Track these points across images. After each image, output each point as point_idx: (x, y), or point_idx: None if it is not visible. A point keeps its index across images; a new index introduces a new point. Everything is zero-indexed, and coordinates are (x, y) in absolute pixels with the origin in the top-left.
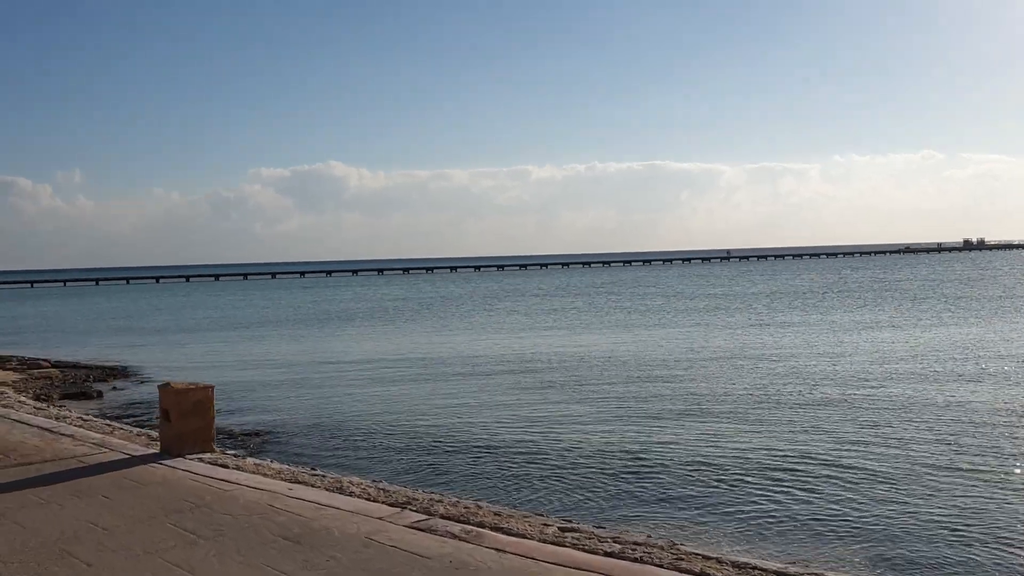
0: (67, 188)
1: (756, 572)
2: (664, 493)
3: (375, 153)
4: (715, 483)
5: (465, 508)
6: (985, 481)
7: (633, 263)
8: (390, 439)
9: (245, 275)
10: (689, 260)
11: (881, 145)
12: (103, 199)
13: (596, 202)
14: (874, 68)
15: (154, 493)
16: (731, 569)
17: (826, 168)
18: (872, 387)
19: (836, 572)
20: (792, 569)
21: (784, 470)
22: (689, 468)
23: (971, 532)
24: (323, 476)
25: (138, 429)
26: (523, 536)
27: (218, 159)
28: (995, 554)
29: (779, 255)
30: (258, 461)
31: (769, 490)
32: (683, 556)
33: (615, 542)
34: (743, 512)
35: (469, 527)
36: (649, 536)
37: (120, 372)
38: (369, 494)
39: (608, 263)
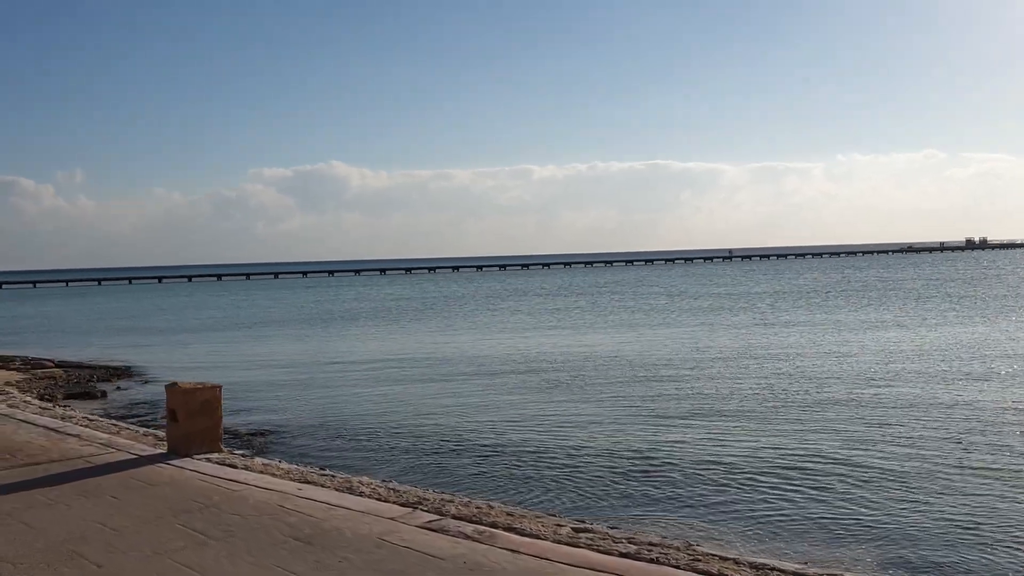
0: (68, 188)
1: (774, 573)
2: (675, 493)
3: (377, 153)
4: (726, 483)
5: (477, 508)
6: (996, 479)
7: (635, 263)
8: (396, 439)
9: (248, 275)
10: (691, 260)
11: (883, 144)
12: (104, 199)
13: (597, 202)
14: (876, 67)
15: (162, 493)
16: (748, 570)
17: (828, 168)
18: (879, 386)
19: (853, 573)
20: (810, 570)
21: (794, 468)
22: (699, 468)
23: (986, 532)
24: (332, 476)
25: (144, 429)
26: (537, 537)
27: (219, 159)
28: (1014, 555)
29: (781, 255)
30: (266, 461)
31: (780, 489)
32: (699, 557)
33: (630, 543)
34: (755, 512)
35: (482, 527)
36: (664, 537)
37: (124, 372)
38: (379, 494)
39: (610, 263)
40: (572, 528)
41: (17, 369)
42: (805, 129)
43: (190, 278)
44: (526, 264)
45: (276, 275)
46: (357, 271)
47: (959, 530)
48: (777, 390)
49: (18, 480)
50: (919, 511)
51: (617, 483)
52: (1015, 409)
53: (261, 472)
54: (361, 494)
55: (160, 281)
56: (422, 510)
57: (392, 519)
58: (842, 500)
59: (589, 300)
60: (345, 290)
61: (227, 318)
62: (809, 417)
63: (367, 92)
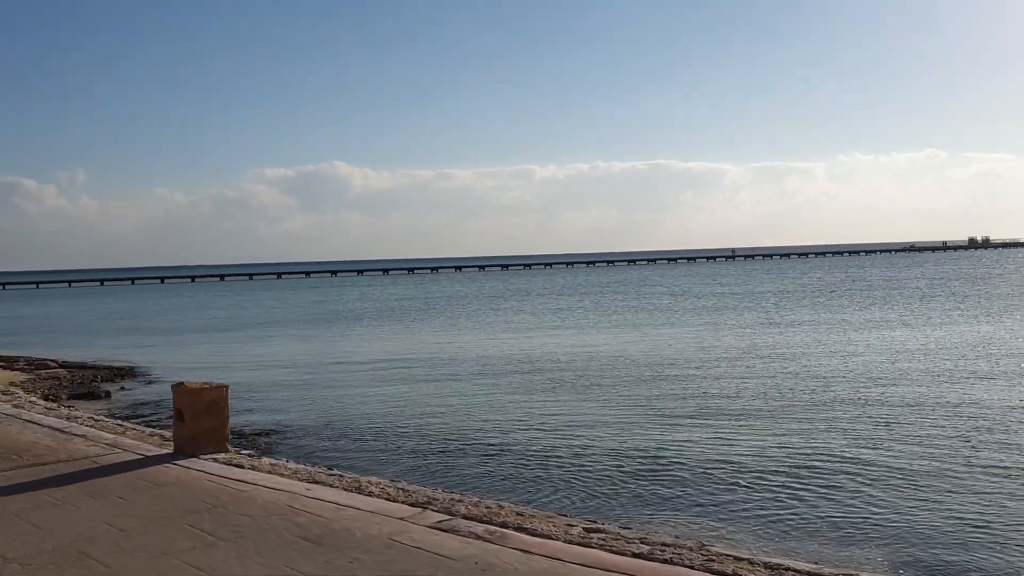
0: (71, 188)
1: (789, 573)
2: (684, 493)
3: (379, 153)
4: (735, 482)
5: (487, 508)
6: (1006, 478)
7: (637, 262)
8: (401, 439)
9: (250, 275)
10: (694, 259)
11: (884, 144)
12: (107, 199)
13: (599, 202)
14: (877, 67)
15: (170, 494)
16: (763, 570)
17: (830, 167)
18: (886, 385)
19: (867, 573)
20: (824, 570)
21: (803, 467)
22: (707, 467)
23: (997, 531)
24: (341, 476)
25: (150, 429)
26: (548, 537)
27: (222, 159)
28: None
29: (784, 254)
30: (274, 461)
31: (790, 489)
32: (713, 557)
33: (643, 543)
34: (765, 511)
35: (493, 527)
36: (677, 537)
37: (128, 372)
38: (388, 494)
39: (612, 262)
40: (583, 528)
41: (21, 369)
42: (807, 129)
43: (193, 278)
44: (528, 264)
45: (279, 275)
46: (360, 271)
47: (970, 529)
48: (784, 389)
49: (25, 480)
50: (930, 510)
51: (626, 483)
52: (1023, 408)
53: (269, 472)
54: (370, 494)
55: (163, 281)
56: (432, 510)
57: (402, 519)
58: (852, 499)
59: (592, 300)
60: (348, 290)
61: (231, 318)
62: (816, 416)
63: (369, 92)
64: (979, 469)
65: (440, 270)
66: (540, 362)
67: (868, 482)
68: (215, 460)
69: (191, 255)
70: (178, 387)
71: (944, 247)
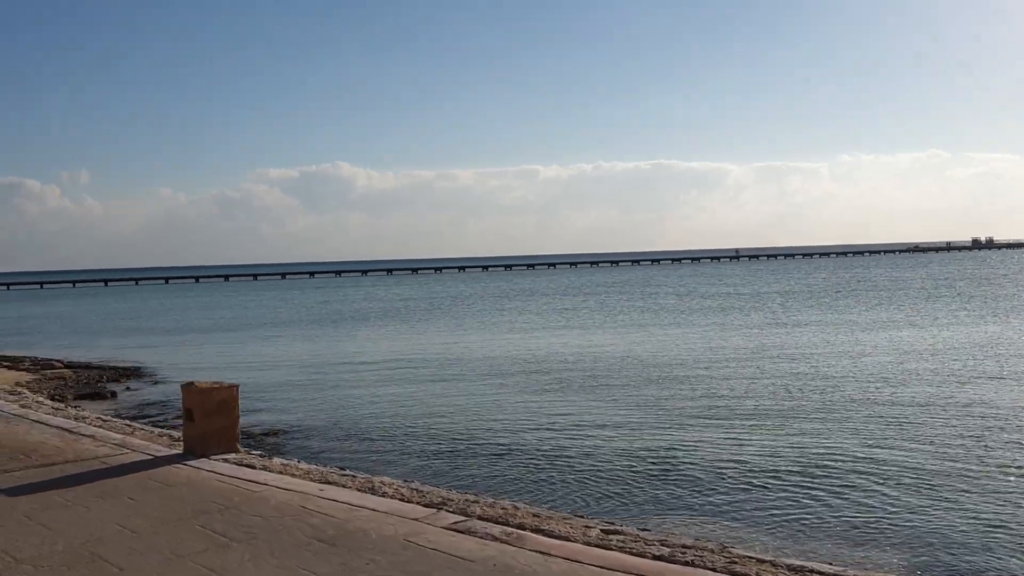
0: (74, 189)
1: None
2: (698, 494)
3: (382, 154)
4: (749, 483)
5: (503, 509)
6: (1022, 478)
7: (641, 262)
8: (410, 439)
9: (255, 276)
10: (698, 259)
11: (887, 144)
12: (110, 200)
13: (601, 201)
14: (879, 67)
15: (180, 494)
16: (786, 572)
17: (832, 167)
18: (895, 385)
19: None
20: (848, 572)
21: (817, 467)
22: (720, 468)
23: (1017, 531)
24: (353, 476)
25: (159, 429)
26: (566, 539)
27: (224, 159)
28: None
29: (788, 254)
30: (285, 461)
31: (805, 489)
32: (736, 559)
33: (663, 545)
34: (781, 512)
35: (509, 529)
36: (697, 539)
37: (133, 372)
38: (402, 494)
39: (616, 262)
40: (601, 530)
41: (27, 370)
42: (809, 128)
43: (197, 279)
44: (531, 264)
45: (283, 276)
46: (364, 271)
47: (988, 529)
48: (793, 390)
49: (35, 481)
50: (946, 510)
51: (639, 484)
52: None
53: (280, 472)
54: (383, 494)
55: (167, 282)
56: (446, 511)
57: (416, 520)
58: (868, 499)
59: (597, 300)
60: (352, 290)
61: (236, 319)
62: (827, 416)
63: (371, 93)
64: (994, 468)
65: (443, 270)
66: (547, 362)
67: (883, 482)
68: (226, 460)
69: (194, 255)
70: (188, 387)
71: (948, 247)
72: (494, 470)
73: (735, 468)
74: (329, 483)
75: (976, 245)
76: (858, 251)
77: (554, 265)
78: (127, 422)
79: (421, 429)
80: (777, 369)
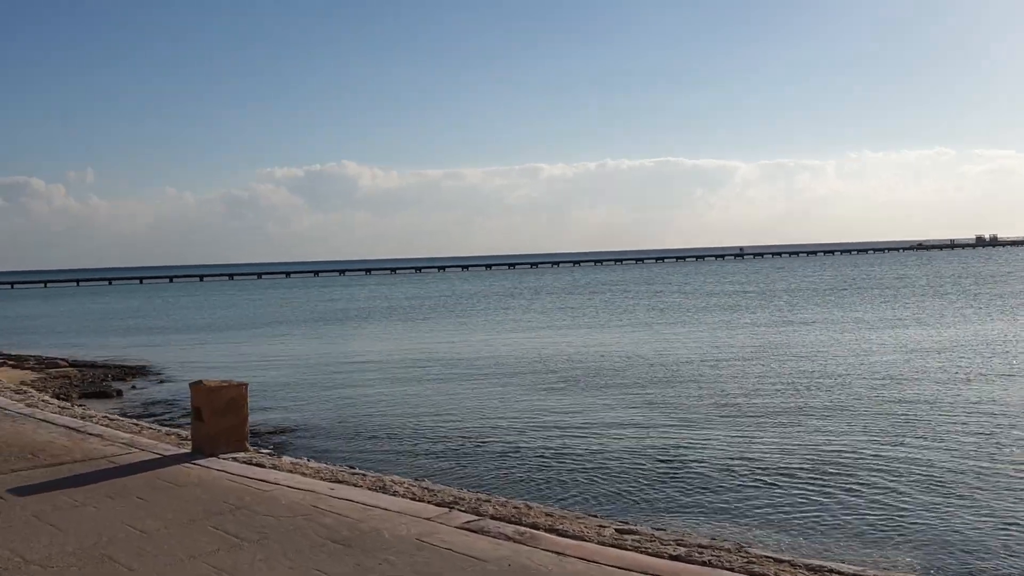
0: (80, 188)
1: None
2: (710, 493)
3: (388, 153)
4: (761, 481)
5: (515, 508)
6: None
7: (646, 260)
8: (417, 438)
9: (259, 274)
10: (703, 257)
11: (894, 142)
12: (115, 199)
13: (607, 200)
14: (886, 65)
15: (191, 494)
16: (805, 572)
17: (840, 164)
18: (905, 383)
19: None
20: (868, 571)
21: (830, 465)
22: (731, 466)
23: None
24: (364, 475)
25: (167, 428)
26: (581, 538)
27: (230, 159)
28: None
29: (794, 252)
30: (295, 460)
31: (817, 487)
32: (754, 559)
33: (679, 544)
34: (795, 511)
35: (523, 528)
36: (714, 539)
37: (138, 371)
38: (414, 494)
39: (621, 260)
40: (616, 530)
41: (31, 368)
42: (816, 126)
43: (202, 277)
44: (535, 263)
45: (288, 275)
46: (368, 270)
47: (1006, 527)
48: (801, 387)
49: (43, 480)
50: (963, 508)
51: (650, 483)
52: None
53: (290, 472)
54: (395, 493)
55: (172, 281)
56: (459, 510)
57: (429, 519)
58: (883, 497)
59: (603, 298)
60: (357, 289)
61: (241, 317)
62: (837, 414)
63: (377, 92)
64: (1007, 465)
65: (447, 269)
66: (553, 361)
67: (895, 479)
68: (235, 459)
69: (199, 255)
70: (197, 385)
71: (952, 245)
72: (502, 469)
73: (745, 466)
74: (340, 482)
75: (980, 243)
76: (863, 248)
77: (558, 264)
78: (135, 421)
79: (428, 427)
80: (785, 367)
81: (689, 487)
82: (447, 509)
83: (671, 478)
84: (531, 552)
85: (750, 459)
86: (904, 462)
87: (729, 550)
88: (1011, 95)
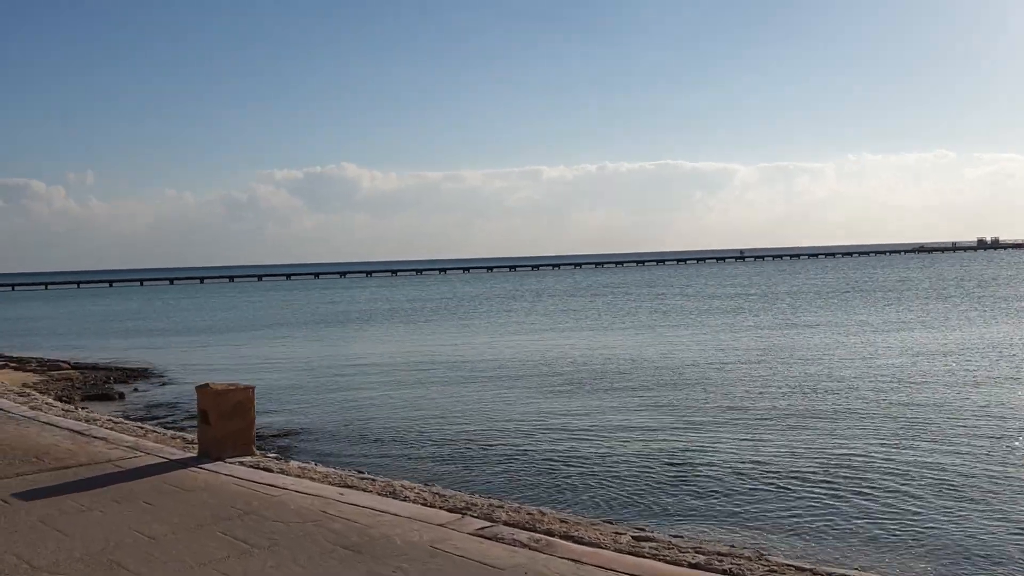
0: (79, 190)
1: None
2: (721, 497)
3: (388, 155)
4: (773, 486)
5: (528, 514)
6: None
7: (647, 263)
8: (423, 442)
9: (260, 277)
10: (704, 260)
11: (894, 144)
12: (115, 200)
13: (607, 202)
14: (886, 67)
15: (198, 499)
16: None
17: (839, 167)
18: (911, 386)
19: None
20: None
21: (842, 469)
22: (741, 471)
23: None
24: (373, 480)
25: (172, 432)
26: (597, 545)
27: (230, 161)
28: None
29: (794, 255)
30: (303, 464)
31: (831, 492)
32: (775, 567)
33: (698, 552)
34: (810, 516)
35: (537, 535)
36: (733, 546)
37: (140, 373)
38: (424, 499)
39: (621, 263)
40: (632, 536)
41: (33, 371)
42: (816, 129)
43: (202, 279)
44: (536, 265)
45: (288, 277)
46: (368, 272)
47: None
48: (808, 391)
49: (48, 485)
50: (977, 512)
51: (661, 487)
52: None
53: (298, 476)
54: (405, 499)
55: (172, 283)
56: (471, 516)
57: (441, 525)
58: (897, 502)
59: (605, 301)
60: (358, 291)
61: (242, 319)
62: (844, 418)
63: (377, 94)
64: (1022, 470)
65: (448, 271)
66: (557, 364)
67: (907, 483)
68: (242, 464)
69: (199, 256)
70: (203, 388)
71: (954, 248)
72: (511, 473)
73: (756, 469)
74: (349, 487)
75: (981, 245)
76: (864, 251)
77: (559, 266)
78: (139, 424)
79: (433, 431)
80: (791, 370)
81: (701, 491)
82: (459, 515)
83: (682, 482)
84: (547, 560)
85: (760, 462)
86: (915, 466)
87: (749, 558)
88: (1012, 97)
